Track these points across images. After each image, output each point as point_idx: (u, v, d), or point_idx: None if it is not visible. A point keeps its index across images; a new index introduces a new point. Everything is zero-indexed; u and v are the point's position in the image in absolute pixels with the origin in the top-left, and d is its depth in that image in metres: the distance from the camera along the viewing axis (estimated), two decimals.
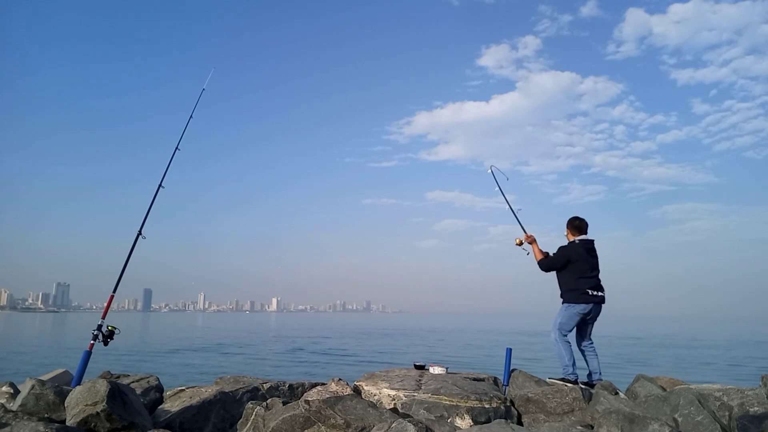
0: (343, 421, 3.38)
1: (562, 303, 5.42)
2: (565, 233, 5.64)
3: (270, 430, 3.48)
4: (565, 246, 5.51)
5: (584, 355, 5.43)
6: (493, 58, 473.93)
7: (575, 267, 5.33)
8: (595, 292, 5.28)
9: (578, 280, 5.30)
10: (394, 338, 38.10)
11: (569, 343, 5.29)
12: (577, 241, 5.48)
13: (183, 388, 5.12)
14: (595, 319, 5.42)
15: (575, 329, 5.43)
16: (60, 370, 5.09)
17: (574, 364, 5.18)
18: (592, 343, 5.46)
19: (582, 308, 5.26)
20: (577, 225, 5.57)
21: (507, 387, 5.04)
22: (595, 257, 5.44)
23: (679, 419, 3.70)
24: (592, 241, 5.50)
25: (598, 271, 5.40)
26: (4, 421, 3.16)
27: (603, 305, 5.42)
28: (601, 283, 5.41)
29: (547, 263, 5.51)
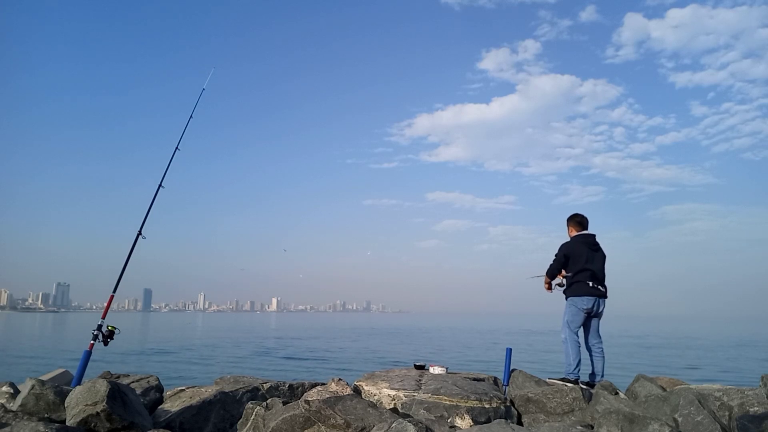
0: (343, 421, 3.38)
1: (566, 299, 5.43)
2: (568, 230, 5.66)
3: (270, 430, 3.48)
4: (563, 244, 5.53)
5: (591, 355, 5.42)
6: (493, 61, 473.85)
7: (573, 261, 5.35)
8: (594, 285, 5.26)
9: (576, 274, 5.31)
10: (394, 338, 38.09)
11: (579, 343, 5.29)
12: (577, 236, 5.51)
13: (183, 388, 5.13)
14: (600, 315, 5.40)
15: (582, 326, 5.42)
16: (60, 370, 5.09)
17: (578, 364, 5.18)
18: (600, 342, 5.43)
19: (583, 302, 5.25)
20: (579, 221, 5.60)
21: (507, 387, 5.04)
22: (598, 251, 5.44)
23: (679, 419, 3.70)
24: (593, 235, 5.50)
25: (599, 264, 5.38)
26: (4, 421, 3.16)
27: (606, 300, 5.40)
28: (604, 277, 5.41)
29: (550, 268, 5.50)
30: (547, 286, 5.56)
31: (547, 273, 5.51)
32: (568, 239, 5.59)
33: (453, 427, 3.82)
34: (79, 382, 4.24)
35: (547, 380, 5.16)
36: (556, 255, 5.50)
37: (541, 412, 4.32)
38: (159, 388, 5.12)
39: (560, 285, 5.55)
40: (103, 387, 3.29)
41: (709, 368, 18.10)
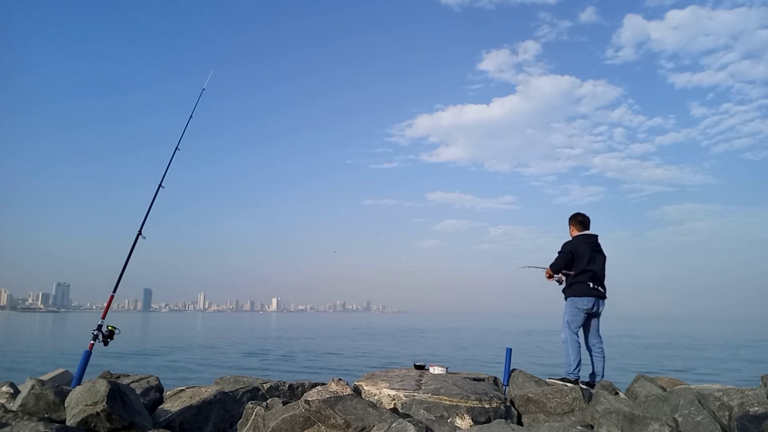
0: (343, 421, 3.38)
1: (565, 299, 5.42)
2: (569, 230, 5.64)
3: (270, 430, 3.48)
4: (568, 242, 5.51)
5: (591, 354, 5.42)
6: (493, 62, 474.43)
7: (576, 261, 5.32)
8: (594, 285, 5.26)
9: (578, 274, 5.30)
10: (394, 338, 38.07)
11: (579, 343, 5.29)
12: (580, 236, 5.49)
13: (183, 388, 5.13)
14: (599, 315, 5.41)
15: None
16: (60, 370, 5.09)
17: (579, 365, 5.18)
18: (600, 342, 5.43)
19: (584, 302, 5.25)
20: (581, 220, 5.59)
21: (507, 387, 5.04)
22: (600, 252, 5.43)
23: (679, 419, 3.70)
24: (596, 236, 5.49)
25: (601, 265, 5.38)
26: (4, 421, 3.16)
27: (605, 301, 5.41)
28: (604, 278, 5.41)
29: (556, 263, 5.45)
30: (548, 275, 5.52)
31: (551, 267, 5.45)
32: (570, 239, 5.58)
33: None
34: (79, 382, 4.24)
35: (547, 380, 5.16)
36: (560, 251, 5.44)
37: (541, 412, 4.32)
38: (159, 388, 5.12)
39: (559, 281, 5.53)
40: (103, 387, 3.29)
41: (709, 368, 18.09)
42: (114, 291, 4.95)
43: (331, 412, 3.44)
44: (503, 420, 3.86)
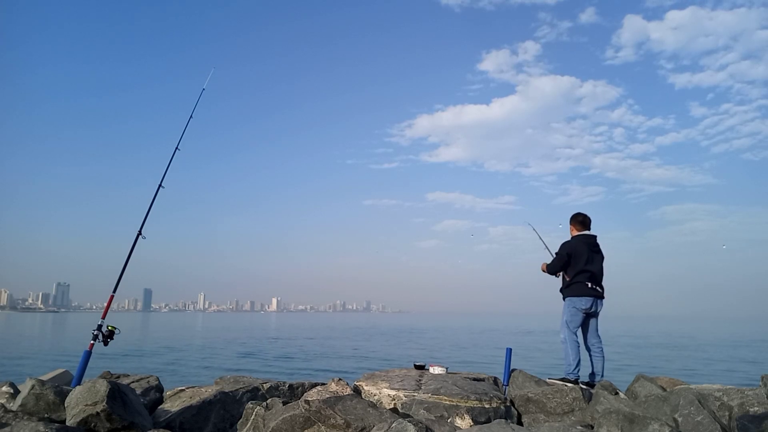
0: (343, 421, 3.38)
1: (564, 299, 5.42)
2: (569, 229, 5.65)
3: (270, 430, 3.48)
4: (565, 242, 5.52)
5: (590, 354, 5.43)
6: (493, 62, 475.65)
7: (574, 262, 5.34)
8: (593, 285, 5.28)
9: (577, 274, 5.31)
10: (393, 338, 38.06)
11: (578, 343, 5.29)
12: (579, 236, 5.49)
13: (183, 388, 5.13)
14: (598, 315, 5.41)
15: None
16: (60, 370, 5.09)
17: (578, 365, 5.18)
18: (599, 342, 5.44)
19: (582, 302, 5.25)
20: (581, 220, 5.59)
21: (507, 387, 5.04)
22: (598, 252, 5.44)
23: (679, 419, 3.70)
24: (595, 236, 5.49)
25: (599, 265, 5.39)
26: (4, 421, 3.16)
27: (603, 301, 5.42)
28: (602, 278, 5.41)
29: (552, 265, 5.49)
30: (544, 269, 5.59)
31: (548, 269, 5.51)
32: (569, 238, 5.58)
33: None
34: (79, 382, 4.24)
35: (547, 380, 5.16)
36: (557, 253, 5.47)
37: (541, 412, 4.32)
38: (159, 388, 5.12)
39: (556, 275, 5.56)
40: (103, 387, 3.29)
41: (709, 368, 18.09)
42: (114, 291, 4.95)
43: (331, 412, 3.44)
44: (503, 420, 3.86)
